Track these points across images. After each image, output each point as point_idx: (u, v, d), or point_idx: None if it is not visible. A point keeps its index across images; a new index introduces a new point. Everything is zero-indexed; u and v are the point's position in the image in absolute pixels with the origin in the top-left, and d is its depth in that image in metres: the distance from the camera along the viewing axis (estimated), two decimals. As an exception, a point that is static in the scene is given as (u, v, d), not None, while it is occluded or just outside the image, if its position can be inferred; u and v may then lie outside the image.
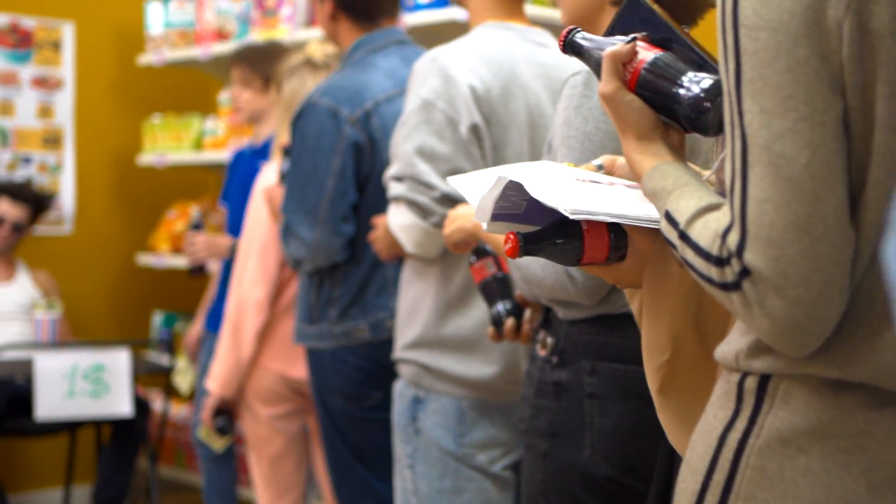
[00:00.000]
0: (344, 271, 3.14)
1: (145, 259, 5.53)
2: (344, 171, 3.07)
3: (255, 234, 3.58)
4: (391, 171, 2.61)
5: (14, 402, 4.81)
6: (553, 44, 2.69)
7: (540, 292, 2.06)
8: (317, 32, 4.55)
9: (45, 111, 5.66)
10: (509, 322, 2.25)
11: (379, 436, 3.14)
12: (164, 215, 5.57)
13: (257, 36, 4.99)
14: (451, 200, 2.51)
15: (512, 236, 1.48)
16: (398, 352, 2.70)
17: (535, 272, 2.03)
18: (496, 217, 1.56)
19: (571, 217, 1.42)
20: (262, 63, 4.14)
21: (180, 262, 5.34)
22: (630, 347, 1.95)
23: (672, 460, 1.55)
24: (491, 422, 2.62)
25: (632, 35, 1.44)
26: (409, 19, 3.98)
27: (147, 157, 5.56)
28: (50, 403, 4.41)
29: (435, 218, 2.53)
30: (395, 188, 2.58)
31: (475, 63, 2.56)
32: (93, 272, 5.61)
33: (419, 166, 2.53)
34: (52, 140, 5.68)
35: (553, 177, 1.53)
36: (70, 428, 5.02)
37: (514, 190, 1.53)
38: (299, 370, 3.48)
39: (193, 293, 5.63)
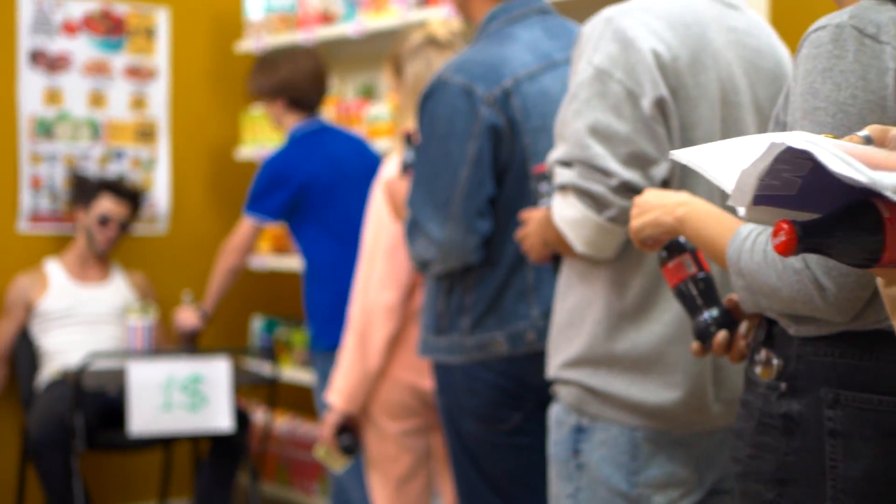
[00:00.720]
0: (478, 274, 2.73)
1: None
2: (480, 158, 2.66)
3: (381, 233, 3.19)
4: (556, 154, 2.19)
5: (106, 415, 4.49)
6: (744, 5, 2.25)
7: (771, 305, 1.62)
8: (430, 14, 4.15)
9: (138, 103, 5.32)
10: (720, 335, 1.82)
11: (518, 464, 2.73)
12: (264, 212, 5.20)
13: (365, 19, 4.61)
14: (632, 189, 2.08)
15: (787, 226, 1.10)
16: (554, 370, 2.28)
17: (768, 280, 1.59)
18: (759, 200, 1.15)
19: (893, 198, 1.01)
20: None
21: (282, 263, 4.98)
22: (886, 373, 1.55)
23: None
24: (669, 457, 2.18)
25: None
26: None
27: (246, 151, 5.21)
28: (144, 417, 4.07)
29: (612, 211, 2.10)
30: (562, 175, 2.15)
31: (658, 25, 2.13)
32: (188, 274, 5.24)
33: (593, 148, 2.10)
34: (146, 133, 5.35)
35: (831, 147, 1.12)
36: (165, 441, 4.68)
37: (786, 163, 1.12)
38: (432, 381, 3.10)
39: (296, 297, 5.26)
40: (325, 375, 3.92)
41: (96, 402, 4.42)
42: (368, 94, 4.97)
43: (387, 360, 3.18)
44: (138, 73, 5.32)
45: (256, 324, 5.28)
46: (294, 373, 4.88)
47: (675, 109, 2.12)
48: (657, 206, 1.86)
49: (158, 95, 5.36)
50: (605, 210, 2.10)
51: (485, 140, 2.66)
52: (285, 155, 4.34)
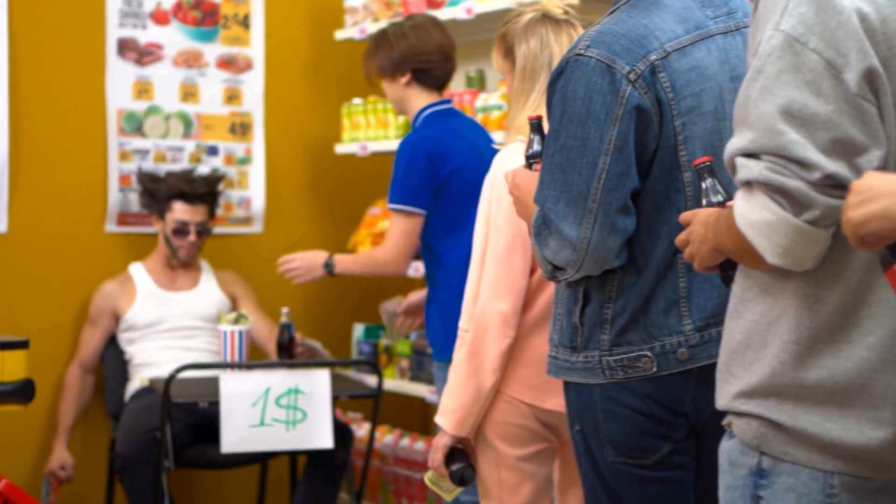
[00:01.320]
0: (620, 281, 2.34)
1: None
2: (623, 145, 2.27)
3: (495, 233, 2.81)
4: (739, 142, 1.79)
5: (198, 429, 4.18)
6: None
7: None
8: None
9: (233, 96, 5.01)
10: None
11: (666, 502, 2.34)
12: (366, 212, 4.85)
13: (473, 2, 4.24)
14: (837, 184, 1.68)
15: None
16: (728, 400, 1.88)
17: None
18: None
19: None
20: None
21: None
22: None
23: None
24: (873, 508, 1.77)
25: None
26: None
27: (346, 146, 4.86)
28: (238, 434, 3.74)
29: (814, 212, 1.70)
30: (747, 169, 1.75)
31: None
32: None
33: (787, 135, 1.70)
34: (241, 128, 5.03)
35: None
36: (260, 458, 4.35)
37: None
38: (555, 400, 2.71)
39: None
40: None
41: (187, 415, 4.12)
42: (478, 83, 4.59)
43: (502, 378, 2.80)
44: (232, 64, 5.01)
45: (358, 331, 4.94)
46: (399, 384, 4.53)
47: (887, 83, 1.71)
48: (887, 194, 1.45)
49: (254, 87, 5.05)
50: (804, 211, 1.70)
51: (629, 123, 2.26)
52: (429, 134, 3.78)
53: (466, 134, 3.80)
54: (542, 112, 2.64)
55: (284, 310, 4.19)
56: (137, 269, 4.57)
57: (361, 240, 4.77)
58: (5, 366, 3.40)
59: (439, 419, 2.85)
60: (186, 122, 4.92)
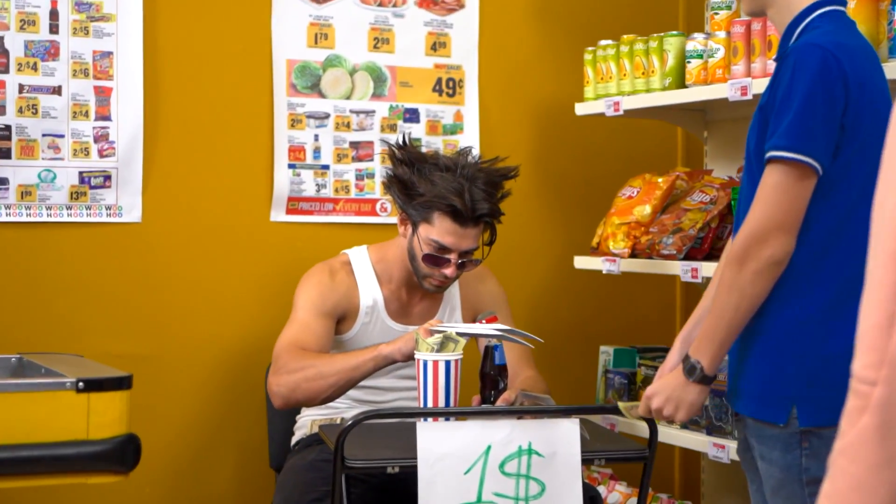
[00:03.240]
0: None
1: (587, 263, 3.54)
2: None
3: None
4: None
5: (384, 495, 2.95)
6: None
7: None
8: None
9: (438, 44, 3.78)
10: None
11: None
12: (617, 195, 3.56)
13: None
14: None
15: None
16: None
17: None
18: None
19: None
20: None
21: (647, 266, 3.33)
22: None
23: None
24: None
25: None
26: None
27: (591, 105, 3.58)
28: (443, 517, 2.48)
29: None
30: None
31: None
32: (514, 284, 3.62)
33: None
34: (449, 85, 3.80)
35: None
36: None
37: None
38: None
39: (667, 316, 3.62)
40: (790, 467, 2.23)
41: (371, 481, 2.88)
42: None
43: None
44: (438, 3, 3.78)
45: (604, 356, 3.65)
46: (672, 433, 3.21)
47: None
48: None
49: (465, 33, 3.81)
50: None
51: None
52: (823, 44, 2.26)
53: (866, 50, 2.39)
54: None
55: (482, 319, 2.91)
56: (364, 273, 3.16)
57: (611, 233, 3.47)
58: (93, 415, 2.23)
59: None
60: (377, 76, 3.72)
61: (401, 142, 3.07)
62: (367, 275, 3.16)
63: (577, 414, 2.61)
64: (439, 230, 2.99)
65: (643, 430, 3.25)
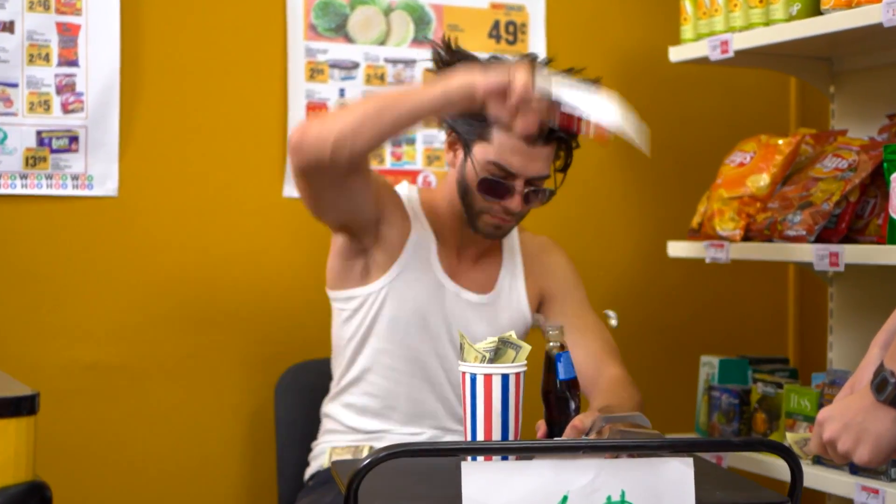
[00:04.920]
0: None
1: (684, 250, 2.80)
2: None
3: None
4: None
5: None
6: None
7: None
8: None
9: (495, -22, 3.04)
10: None
11: None
12: (724, 162, 2.81)
13: None
14: None
15: None
16: None
17: None
18: None
19: None
20: None
21: (766, 251, 2.59)
22: None
23: None
24: None
25: None
26: None
27: (690, 48, 2.85)
28: None
29: None
30: None
31: None
32: (591, 276, 2.84)
33: None
34: (509, 29, 3.06)
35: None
36: None
37: None
38: None
39: (778, 324, 2.86)
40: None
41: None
42: None
43: None
44: (494, -72, 3.04)
45: (706, 368, 2.88)
46: (812, 473, 2.44)
47: None
48: None
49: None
50: None
51: None
52: None
53: None
54: None
55: (549, 330, 2.12)
56: (415, 212, 2.48)
57: (718, 210, 2.72)
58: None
59: None
60: (419, 17, 2.98)
61: (448, 45, 2.41)
62: (418, 213, 2.48)
63: (692, 450, 1.82)
64: (500, 149, 2.34)
65: (773, 469, 2.47)
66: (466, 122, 2.36)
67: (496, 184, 2.35)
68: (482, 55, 2.45)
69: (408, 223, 2.43)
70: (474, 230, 2.42)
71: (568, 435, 1.97)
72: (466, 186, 2.39)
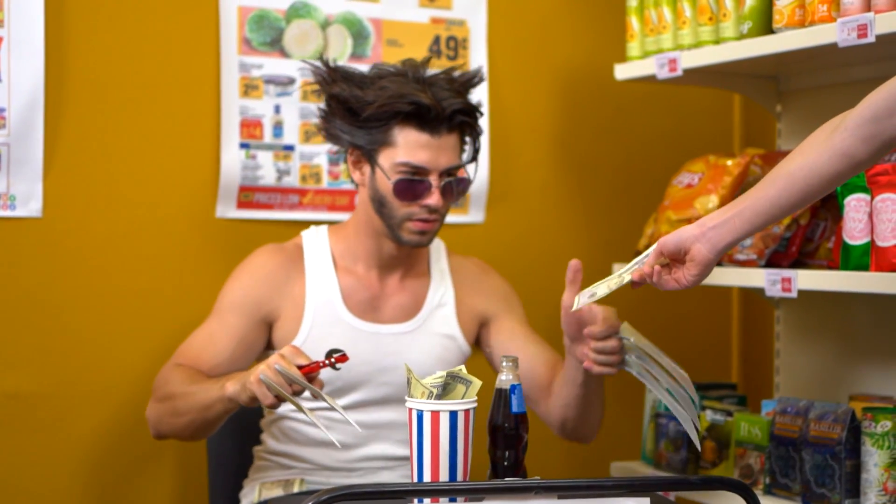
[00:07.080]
0: None
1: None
2: None
3: None
4: None
5: None
6: None
7: None
8: None
9: (436, -8, 2.95)
10: None
11: None
12: (671, 182, 2.76)
13: None
14: None
15: None
16: None
17: None
18: None
19: None
20: None
21: (716, 276, 2.53)
22: None
23: None
24: None
25: None
26: None
27: (636, 66, 2.78)
28: None
29: None
30: None
31: None
32: (531, 301, 2.77)
33: None
34: (449, 45, 2.97)
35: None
36: None
37: None
38: None
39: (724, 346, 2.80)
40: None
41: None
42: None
43: None
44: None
45: (653, 399, 2.81)
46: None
47: None
48: None
49: (471, -23, 2.98)
50: None
51: None
52: None
53: None
54: None
55: (506, 364, 2.01)
56: (316, 258, 2.43)
57: (666, 232, 2.64)
58: None
59: None
60: (357, 32, 2.88)
61: (326, 64, 2.40)
62: (320, 260, 2.41)
63: (648, 490, 1.73)
64: (406, 147, 2.32)
65: (725, 499, 2.39)
66: (365, 133, 2.32)
67: (411, 183, 2.30)
68: (363, 68, 2.43)
69: (299, 295, 2.37)
70: (400, 243, 2.35)
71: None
72: (381, 198, 2.32)
